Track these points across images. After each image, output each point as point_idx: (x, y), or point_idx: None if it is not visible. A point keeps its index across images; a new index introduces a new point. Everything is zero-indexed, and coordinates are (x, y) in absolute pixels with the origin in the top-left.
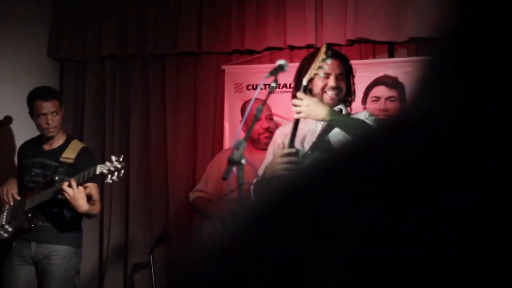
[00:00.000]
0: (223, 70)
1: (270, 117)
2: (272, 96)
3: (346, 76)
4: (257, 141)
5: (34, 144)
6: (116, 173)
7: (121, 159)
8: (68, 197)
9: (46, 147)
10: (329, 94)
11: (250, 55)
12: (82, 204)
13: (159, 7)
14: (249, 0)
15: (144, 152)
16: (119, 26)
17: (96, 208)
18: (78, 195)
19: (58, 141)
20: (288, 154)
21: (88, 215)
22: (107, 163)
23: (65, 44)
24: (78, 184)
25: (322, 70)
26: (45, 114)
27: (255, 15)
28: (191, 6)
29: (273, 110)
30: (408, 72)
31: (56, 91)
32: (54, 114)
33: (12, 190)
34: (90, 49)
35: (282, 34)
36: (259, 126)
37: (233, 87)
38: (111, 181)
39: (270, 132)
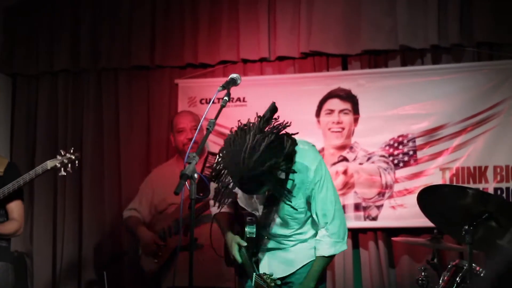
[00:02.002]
0: (176, 84)
1: (195, 128)
2: (224, 109)
3: None
4: (183, 152)
5: None
6: (69, 165)
7: (72, 151)
8: None
9: None
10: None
11: (203, 69)
12: None
13: (112, 21)
14: (202, 13)
15: (97, 167)
16: (72, 40)
17: (9, 229)
18: None
19: None
20: (236, 261)
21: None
22: (58, 157)
23: (17, 58)
24: (13, 190)
25: None
26: None
27: (208, 28)
28: (144, 20)
29: (224, 123)
30: (362, 84)
31: None
32: None
33: None
34: (43, 63)
35: (235, 48)
36: (183, 137)
37: (186, 101)
38: (65, 173)
39: (195, 142)
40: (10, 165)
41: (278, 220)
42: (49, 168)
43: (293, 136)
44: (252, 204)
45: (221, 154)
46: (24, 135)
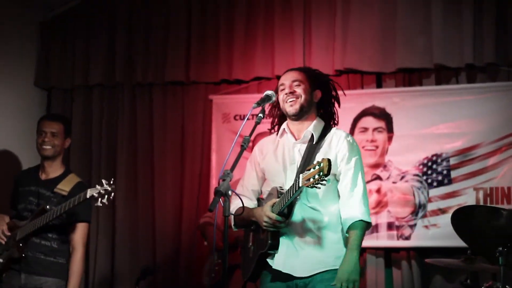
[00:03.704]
0: (211, 100)
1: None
2: (258, 126)
3: (310, 85)
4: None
5: (31, 173)
6: (106, 196)
7: (111, 182)
8: None
9: (43, 176)
10: (288, 102)
11: (237, 85)
12: None
13: (147, 36)
14: (238, 30)
15: (130, 182)
16: (107, 55)
17: (78, 270)
18: None
19: (56, 172)
20: (275, 221)
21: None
22: (98, 186)
23: (53, 72)
24: (65, 212)
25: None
26: (45, 132)
27: (243, 45)
28: (180, 35)
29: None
30: (396, 102)
31: (65, 118)
32: (54, 135)
33: (2, 227)
34: (78, 77)
35: (270, 64)
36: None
37: (220, 117)
38: (101, 204)
39: None
40: (78, 185)
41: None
42: (88, 197)
43: None
44: (286, 165)
45: None
46: None
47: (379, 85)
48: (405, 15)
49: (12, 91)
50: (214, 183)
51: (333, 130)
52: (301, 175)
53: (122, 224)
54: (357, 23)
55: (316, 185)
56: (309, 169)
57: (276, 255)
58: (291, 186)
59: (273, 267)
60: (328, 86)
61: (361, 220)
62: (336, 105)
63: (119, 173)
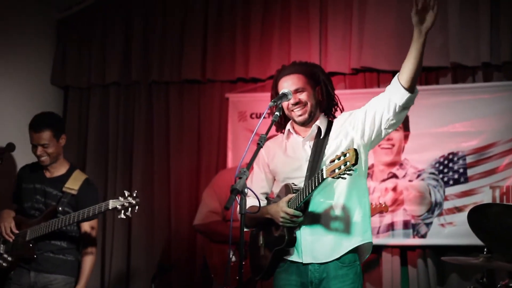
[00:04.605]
0: (227, 98)
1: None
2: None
3: (312, 87)
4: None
5: (35, 169)
6: (130, 209)
7: (135, 195)
8: None
9: (48, 174)
10: (295, 111)
11: (254, 83)
12: None
13: (163, 35)
14: (254, 28)
15: (147, 180)
16: (124, 53)
17: (89, 266)
18: None
19: (60, 170)
20: (293, 216)
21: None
22: (121, 198)
23: (69, 71)
24: (84, 220)
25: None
26: (35, 146)
27: (259, 43)
28: (196, 34)
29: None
30: None
31: (50, 121)
32: (45, 146)
33: (10, 224)
34: (94, 76)
35: (286, 62)
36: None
37: (236, 116)
38: (124, 217)
39: None
40: (85, 182)
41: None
42: (110, 208)
43: None
44: (300, 162)
45: None
46: (75, 147)
47: None
48: None
49: (29, 89)
50: None
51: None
52: (324, 167)
53: (138, 222)
54: (373, 21)
55: (342, 176)
56: (333, 160)
57: (294, 248)
58: (311, 179)
59: (290, 260)
60: (322, 75)
61: None
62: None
63: (135, 172)
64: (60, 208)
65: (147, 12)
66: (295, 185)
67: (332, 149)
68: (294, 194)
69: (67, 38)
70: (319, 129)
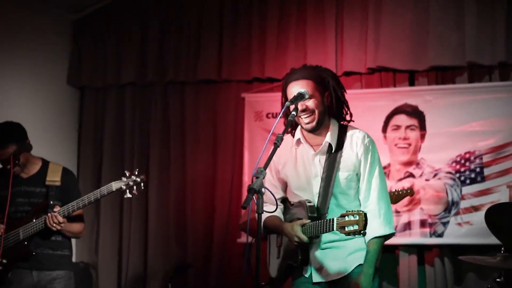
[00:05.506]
0: (243, 98)
1: None
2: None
3: (320, 93)
4: None
5: (4, 174)
6: (135, 187)
7: (136, 173)
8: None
9: (23, 175)
10: (303, 118)
11: (270, 83)
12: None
13: (179, 35)
14: (270, 28)
15: (163, 180)
16: (139, 54)
17: (75, 227)
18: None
19: (34, 167)
20: (301, 241)
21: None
22: (123, 178)
23: (85, 71)
24: (85, 206)
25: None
26: (2, 161)
27: (275, 43)
28: (212, 34)
29: None
30: (429, 100)
31: (11, 134)
32: (14, 160)
33: None
34: (110, 76)
35: (302, 62)
36: None
37: (253, 115)
38: (130, 196)
39: None
40: (64, 171)
41: (333, 200)
42: (114, 190)
43: None
44: (309, 178)
45: None
46: (91, 147)
47: (411, 83)
48: (438, 13)
49: (45, 89)
50: (246, 180)
51: (350, 132)
52: (335, 220)
53: (154, 221)
54: (389, 21)
55: (350, 235)
56: (344, 216)
57: (308, 266)
58: (323, 222)
59: (306, 276)
60: (332, 81)
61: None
62: (345, 95)
63: (152, 172)
64: (51, 202)
65: (162, 13)
66: (309, 202)
67: (344, 174)
68: (308, 221)
69: (83, 39)
70: (329, 144)
